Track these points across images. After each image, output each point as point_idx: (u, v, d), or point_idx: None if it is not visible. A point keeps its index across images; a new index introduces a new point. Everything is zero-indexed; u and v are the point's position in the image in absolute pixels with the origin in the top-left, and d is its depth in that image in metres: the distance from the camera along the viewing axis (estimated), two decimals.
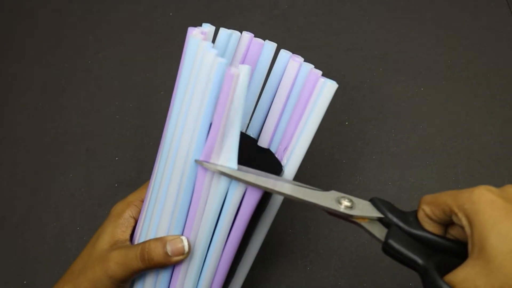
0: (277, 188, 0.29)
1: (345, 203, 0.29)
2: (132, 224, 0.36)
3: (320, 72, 0.34)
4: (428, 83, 0.59)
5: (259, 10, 0.67)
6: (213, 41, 0.35)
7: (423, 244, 0.28)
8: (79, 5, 0.70)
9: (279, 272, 0.47)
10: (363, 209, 0.29)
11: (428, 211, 0.28)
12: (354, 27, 0.64)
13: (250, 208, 0.30)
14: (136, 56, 0.63)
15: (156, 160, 0.34)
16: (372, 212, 0.29)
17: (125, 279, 0.33)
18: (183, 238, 0.31)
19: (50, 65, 0.64)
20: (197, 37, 0.30)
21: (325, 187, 0.31)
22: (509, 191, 0.25)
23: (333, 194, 0.30)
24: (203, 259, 0.32)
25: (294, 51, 0.36)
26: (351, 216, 0.29)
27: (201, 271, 0.33)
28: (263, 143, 0.38)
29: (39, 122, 0.59)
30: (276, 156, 0.37)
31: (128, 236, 0.35)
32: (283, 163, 0.36)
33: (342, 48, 0.62)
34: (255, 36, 0.37)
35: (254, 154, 0.37)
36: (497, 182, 0.51)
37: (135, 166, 0.54)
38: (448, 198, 0.27)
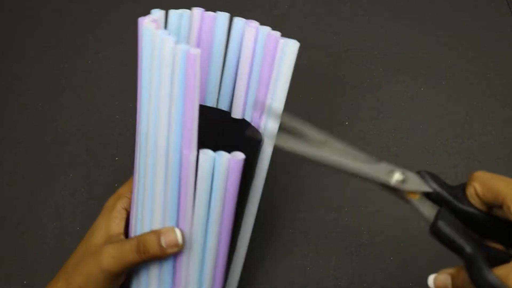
0: (324, 156, 0.28)
1: (397, 176, 0.28)
2: (125, 215, 0.36)
3: (279, 33, 0.34)
4: (428, 83, 0.59)
5: (259, 10, 0.66)
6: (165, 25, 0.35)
7: (471, 226, 0.27)
8: (79, 5, 0.70)
9: (279, 272, 0.47)
10: (414, 182, 0.28)
11: (478, 190, 0.27)
12: (354, 27, 0.64)
13: (236, 175, 0.30)
14: (136, 56, 0.63)
15: (135, 156, 0.34)
16: (421, 186, 0.28)
17: (119, 273, 0.33)
18: (176, 229, 0.32)
19: (50, 65, 0.64)
20: (150, 26, 0.30)
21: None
22: None
23: (385, 166, 0.29)
24: (204, 241, 0.32)
25: None
26: (402, 191, 0.28)
27: (203, 254, 0.33)
28: (236, 114, 0.38)
29: (39, 122, 0.59)
30: (253, 124, 0.37)
31: (122, 229, 0.35)
32: (261, 130, 0.36)
33: (342, 48, 0.62)
34: None
35: (230, 126, 0.37)
36: None
37: None
38: (503, 187, 0.26)
